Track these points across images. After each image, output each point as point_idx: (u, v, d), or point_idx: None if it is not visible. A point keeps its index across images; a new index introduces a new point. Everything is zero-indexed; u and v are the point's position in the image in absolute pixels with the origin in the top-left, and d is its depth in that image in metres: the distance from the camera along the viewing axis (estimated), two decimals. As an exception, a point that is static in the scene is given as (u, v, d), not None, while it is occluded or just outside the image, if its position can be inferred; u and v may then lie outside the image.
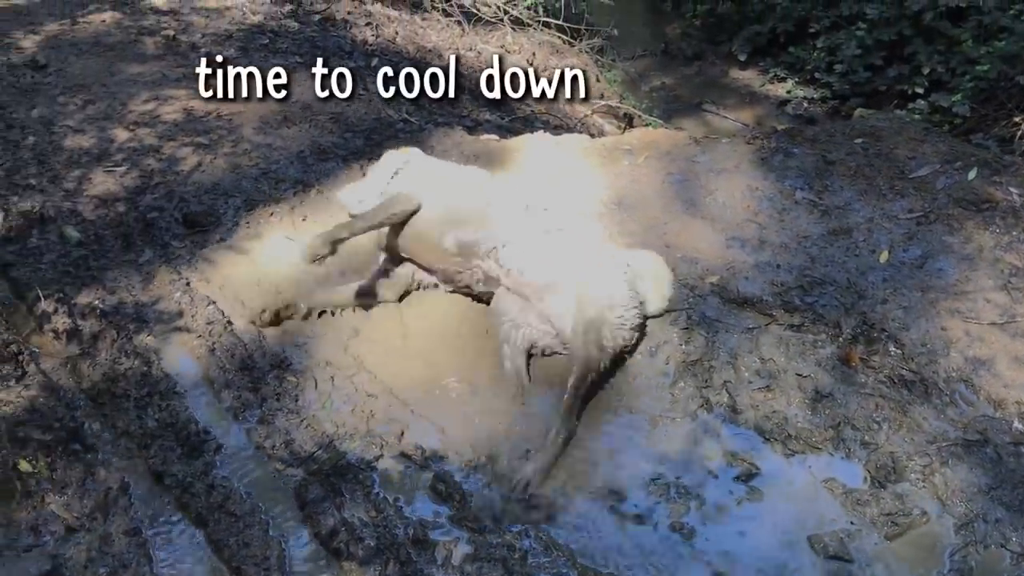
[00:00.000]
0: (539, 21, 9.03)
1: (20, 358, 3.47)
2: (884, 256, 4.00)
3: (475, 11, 8.44)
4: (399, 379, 3.53)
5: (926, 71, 7.71)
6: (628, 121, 7.82)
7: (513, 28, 8.52)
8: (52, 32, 5.78)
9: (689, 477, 3.19)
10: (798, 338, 3.67)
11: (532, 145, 4.78)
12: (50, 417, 3.26)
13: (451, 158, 4.64)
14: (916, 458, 3.20)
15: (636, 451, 3.28)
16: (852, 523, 3.02)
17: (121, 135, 4.87)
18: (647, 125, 8.11)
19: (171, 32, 5.90)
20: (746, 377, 3.54)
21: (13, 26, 5.90)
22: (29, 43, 5.68)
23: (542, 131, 5.03)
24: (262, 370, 3.56)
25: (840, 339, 3.66)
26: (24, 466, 3.07)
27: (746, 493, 3.14)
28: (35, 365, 3.46)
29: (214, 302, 3.82)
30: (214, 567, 2.84)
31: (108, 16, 6.21)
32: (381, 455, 3.24)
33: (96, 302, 3.77)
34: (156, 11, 6.25)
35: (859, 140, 4.81)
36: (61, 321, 3.64)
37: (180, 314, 3.77)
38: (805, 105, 8.67)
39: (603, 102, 8.55)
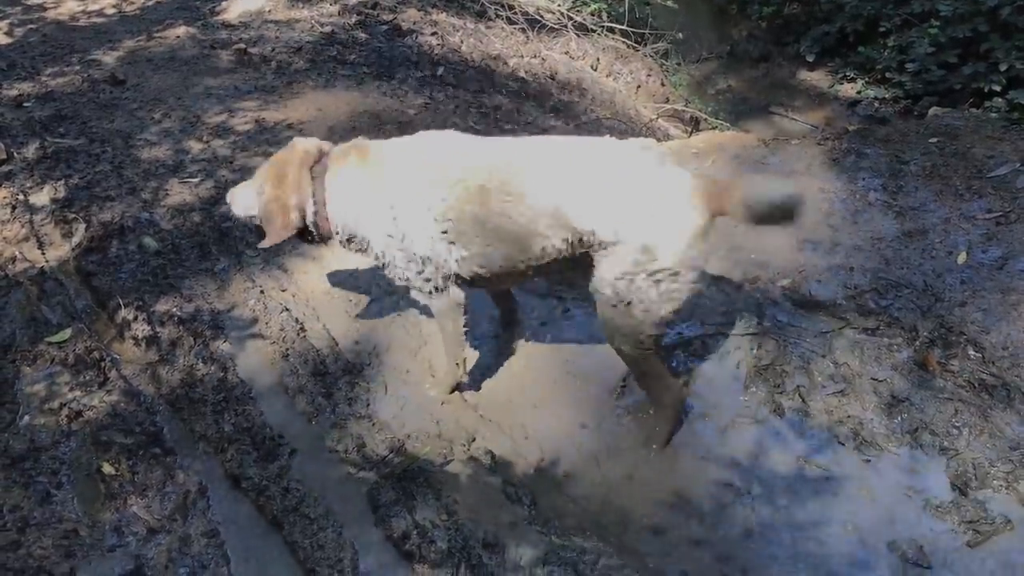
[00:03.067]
0: (603, 26, 9.02)
1: (102, 364, 3.59)
2: (962, 257, 3.90)
3: (539, 18, 8.46)
4: (467, 384, 3.55)
5: (1003, 68, 7.48)
6: (695, 125, 7.76)
7: (577, 34, 8.53)
8: (130, 48, 5.97)
9: (761, 481, 3.15)
10: (873, 342, 3.60)
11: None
12: (131, 421, 3.36)
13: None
14: (999, 464, 3.10)
15: (708, 455, 3.24)
16: (931, 529, 2.94)
17: (195, 147, 5.00)
18: (713, 128, 8.04)
19: (243, 45, 6.04)
20: (819, 381, 3.48)
21: (93, 44, 6.10)
22: (109, 59, 5.87)
23: (608, 135, 5.01)
24: (334, 376, 3.61)
25: (917, 343, 3.57)
26: (107, 469, 3.17)
27: (820, 498, 3.08)
28: (116, 371, 3.57)
29: (288, 309, 3.90)
30: (289, 569, 2.88)
31: (182, 31, 6.39)
32: (451, 459, 3.26)
33: (174, 310, 3.87)
34: (228, 25, 6.41)
35: (934, 139, 4.69)
36: (141, 328, 3.75)
37: (255, 321, 3.86)
38: (876, 105, 8.49)
39: (668, 106, 8.50)
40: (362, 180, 3.09)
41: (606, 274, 2.89)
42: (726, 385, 3.50)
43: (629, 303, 2.88)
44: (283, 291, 4.02)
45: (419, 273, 3.13)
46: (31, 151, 4.88)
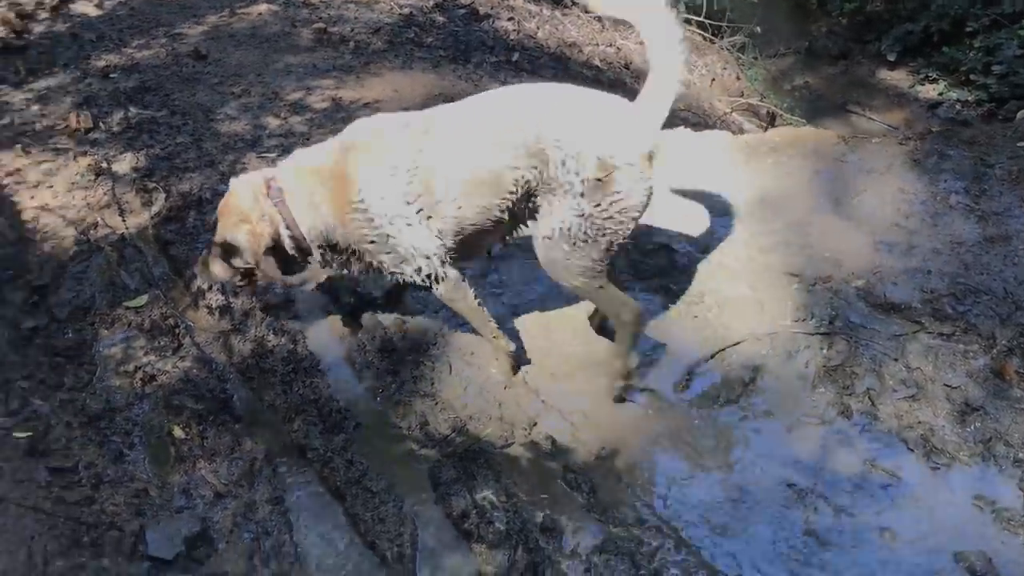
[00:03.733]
0: (680, 17, 8.89)
1: (177, 331, 3.68)
2: (1047, 266, 3.78)
3: (615, 7, 8.38)
4: (532, 370, 3.56)
5: (1096, 73, 7.23)
6: (771, 119, 7.64)
7: (653, 24, 8.42)
8: (213, 23, 6.09)
9: (824, 483, 3.10)
10: (948, 348, 3.51)
11: (672, 141, 4.73)
12: (202, 388, 3.44)
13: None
14: (1076, 480, 3.01)
15: (771, 454, 3.20)
16: (1002, 543, 2.87)
17: (273, 122, 5.08)
18: (788, 124, 7.91)
19: (323, 24, 6.11)
20: (890, 385, 3.41)
21: (178, 18, 6.24)
22: (193, 34, 5.99)
23: (683, 127, 4.97)
24: (400, 354, 3.65)
25: (994, 351, 3.48)
26: (178, 432, 3.25)
27: (884, 503, 3.03)
28: (190, 338, 3.66)
29: (358, 288, 3.95)
30: (350, 539, 2.93)
31: (264, 8, 6.50)
32: (512, 442, 3.28)
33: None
34: (308, 4, 6.49)
35: (1022, 143, 4.55)
36: (215, 298, 3.83)
37: (326, 295, 3.91)
38: (958, 108, 8.26)
39: (743, 100, 8.38)
40: (322, 191, 3.12)
41: (557, 212, 2.98)
42: (792, 384, 3.45)
43: (578, 241, 2.98)
44: (353, 268, 4.07)
45: (416, 270, 3.19)
46: (115, 120, 5.01)
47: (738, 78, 9.03)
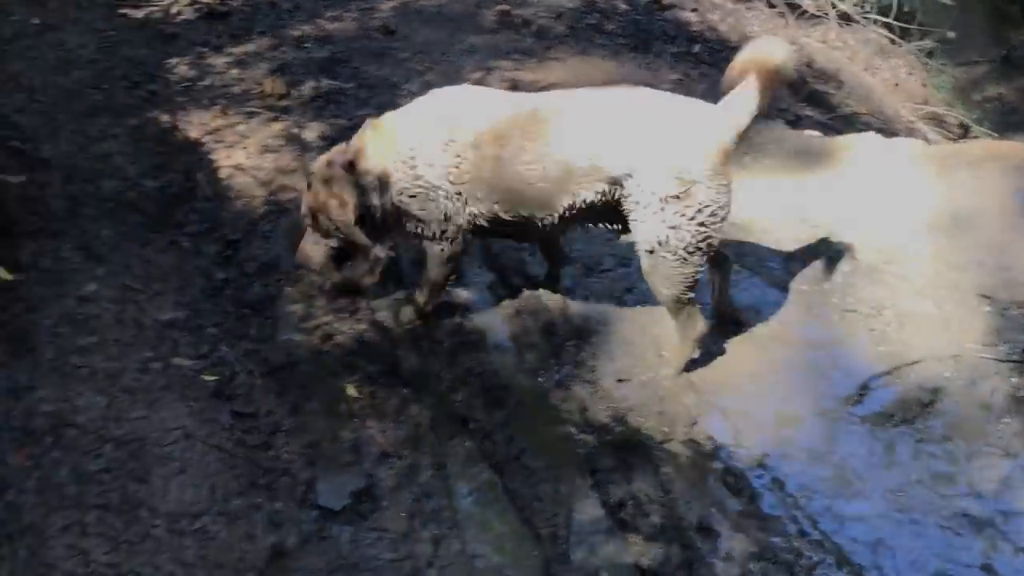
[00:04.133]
0: (867, 17, 8.56)
1: (354, 296, 3.84)
2: None
3: (799, 2, 8.14)
4: (695, 367, 3.52)
5: None
6: (964, 131, 7.24)
7: (839, 22, 8.14)
8: (403, 0, 6.27)
9: (1003, 517, 2.93)
10: None
11: (860, 146, 4.56)
12: (375, 351, 3.58)
13: (770, 151, 4.55)
14: None
15: (947, 481, 3.06)
16: None
17: (454, 101, 5.19)
18: (975, 137, 7.48)
19: (507, 7, 6.20)
20: (1087, 422, 3.19)
21: (377, -12, 6.45)
22: (384, 9, 6.20)
23: (872, 132, 4.78)
24: (563, 338, 3.68)
25: None
26: (351, 391, 3.40)
27: (1072, 547, 2.84)
28: (366, 303, 3.81)
29: (524, 268, 4.00)
30: (507, 513, 2.99)
31: (452, -13, 6.64)
32: (672, 438, 3.26)
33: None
34: (494, -14, 6.59)
35: None
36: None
37: (494, 274, 3.99)
38: None
39: (928, 108, 7.98)
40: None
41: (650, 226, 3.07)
42: (975, 411, 3.28)
43: (679, 251, 3.08)
44: (520, 250, 4.12)
45: (433, 232, 3.39)
46: (307, 89, 5.25)
47: (924, 85, 8.59)
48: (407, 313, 3.71)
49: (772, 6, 7.74)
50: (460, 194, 3.27)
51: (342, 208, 3.39)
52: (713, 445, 3.22)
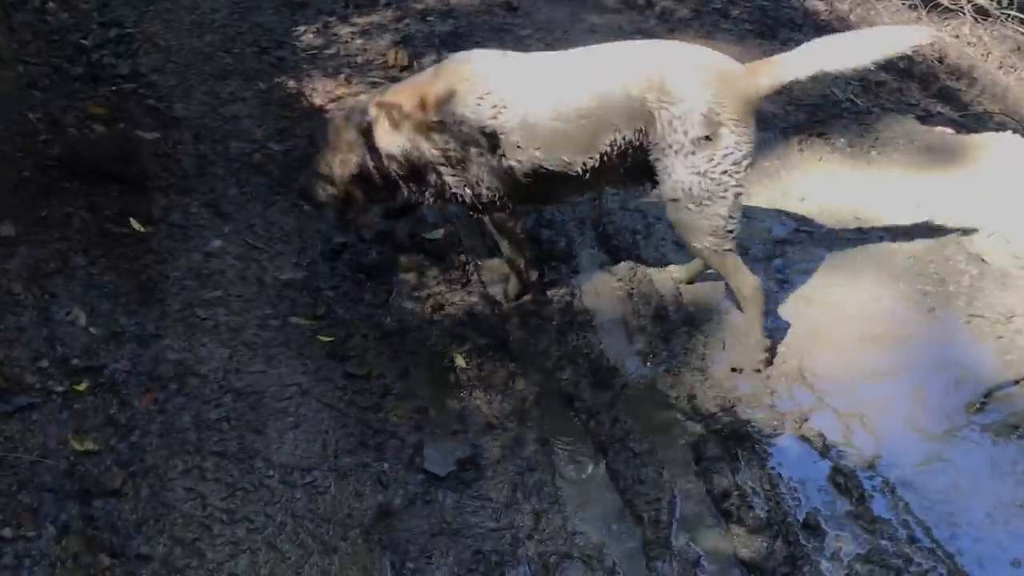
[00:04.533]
0: (1005, 13, 8.15)
1: (467, 268, 3.88)
2: None
3: (934, -5, 7.81)
4: (809, 363, 3.44)
5: None
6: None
7: (975, 17, 7.77)
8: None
9: None
10: None
11: (996, 145, 4.36)
12: (484, 324, 3.61)
13: (900, 146, 4.39)
14: None
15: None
16: None
17: (573, 80, 5.16)
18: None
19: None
20: None
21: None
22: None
23: (1009, 132, 4.57)
24: (674, 323, 3.64)
25: None
26: (459, 361, 3.44)
27: None
28: (477, 276, 3.84)
29: (638, 249, 3.97)
30: (609, 494, 2.99)
31: (577, -34, 6.59)
32: (781, 432, 3.19)
33: (532, 230, 4.07)
34: (617, -34, 6.51)
35: None
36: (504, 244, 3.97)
37: (606, 254, 3.97)
38: None
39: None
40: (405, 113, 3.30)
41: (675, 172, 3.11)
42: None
43: (703, 200, 3.12)
44: (635, 233, 4.09)
45: (476, 195, 3.35)
46: (429, 62, 5.28)
47: (1063, 88, 8.15)
48: (511, 288, 3.73)
49: (906, -4, 7.44)
50: (497, 147, 3.20)
51: (342, 165, 3.43)
52: (824, 443, 3.15)
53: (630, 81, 3.07)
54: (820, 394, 3.33)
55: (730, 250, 3.28)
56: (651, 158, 3.17)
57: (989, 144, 4.37)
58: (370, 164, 3.40)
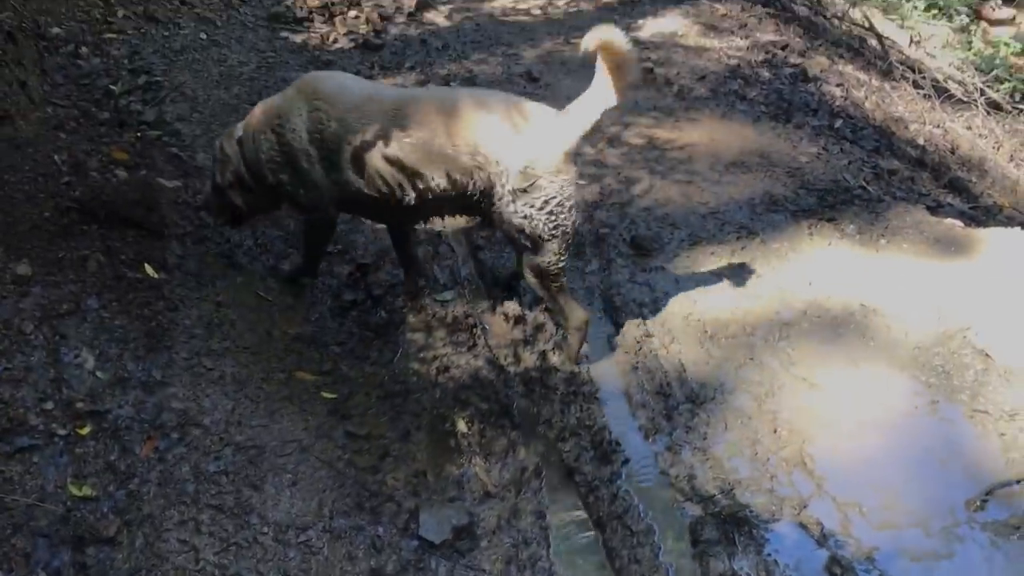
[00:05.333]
0: (1017, 107, 8.29)
1: (474, 331, 3.90)
2: None
3: (946, 87, 7.94)
4: (809, 448, 3.43)
5: None
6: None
7: (987, 110, 7.89)
8: (547, 49, 6.41)
9: None
10: None
11: (1004, 240, 4.39)
12: (489, 389, 3.62)
13: (909, 236, 4.44)
14: None
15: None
16: None
17: (588, 152, 5.26)
18: None
19: (650, 65, 6.25)
20: None
21: (517, 39, 6.61)
22: (528, 56, 6.34)
23: (1017, 228, 4.60)
24: (677, 400, 3.65)
25: None
26: (461, 426, 3.44)
27: None
28: (484, 340, 3.86)
29: (645, 324, 3.99)
30: (604, 572, 2.97)
31: (596, 40, 6.72)
32: (779, 518, 3.17)
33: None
34: (639, 42, 6.65)
35: None
36: (512, 307, 4.00)
37: (612, 326, 3.99)
38: None
39: (1075, 207, 7.62)
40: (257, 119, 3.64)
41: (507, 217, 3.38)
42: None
43: (537, 238, 3.38)
44: (643, 305, 4.11)
45: (302, 195, 3.62)
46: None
47: (1074, 183, 8.23)
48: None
49: (918, 87, 7.56)
50: (324, 161, 3.48)
51: (223, 175, 3.72)
52: (822, 531, 3.13)
53: (455, 140, 3.31)
54: (820, 481, 3.32)
55: (561, 285, 3.59)
56: (483, 202, 3.44)
57: (997, 239, 4.41)
58: (243, 171, 3.68)
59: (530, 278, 3.59)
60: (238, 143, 3.66)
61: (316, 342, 3.71)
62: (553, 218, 3.36)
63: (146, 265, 3.73)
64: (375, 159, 3.39)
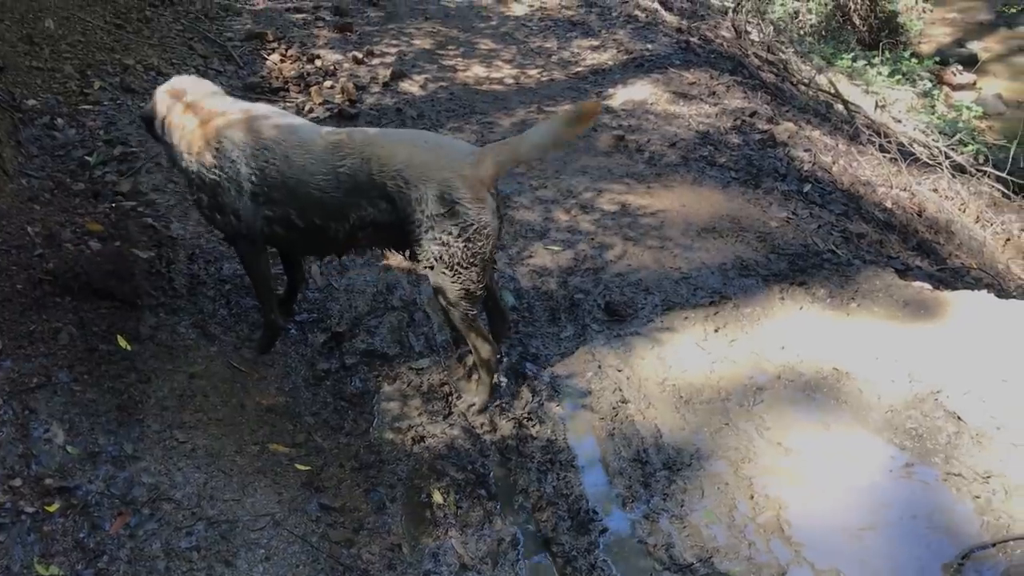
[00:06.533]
0: (981, 170, 8.50)
1: (449, 399, 3.89)
2: None
3: (912, 150, 8.14)
4: (786, 514, 3.43)
5: None
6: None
7: (952, 173, 8.08)
8: (521, 117, 6.51)
9: None
10: None
11: (972, 303, 4.45)
12: (465, 459, 3.60)
13: (880, 300, 4.50)
14: None
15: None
16: None
17: (562, 218, 5.31)
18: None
19: (621, 132, 6.36)
20: None
21: (491, 108, 6.72)
22: (503, 124, 6.43)
23: (984, 291, 4.68)
24: (654, 467, 3.64)
25: None
26: (437, 497, 3.41)
27: None
28: (460, 408, 3.85)
29: (621, 390, 4.00)
30: (582, 645, 2.93)
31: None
32: (758, 587, 3.16)
33: (517, 364, 4.11)
34: (610, 111, 6.78)
35: None
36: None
37: (588, 393, 4.00)
38: None
39: (1041, 268, 7.78)
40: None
41: (425, 244, 3.47)
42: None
43: (455, 265, 3.47)
44: (619, 371, 4.13)
45: (224, 224, 3.72)
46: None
47: (1035, 241, 8.41)
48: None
49: (884, 151, 7.73)
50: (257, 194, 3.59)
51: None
52: (801, 601, 3.11)
53: (376, 169, 3.43)
54: (797, 547, 3.31)
55: (473, 317, 3.66)
56: (404, 229, 3.51)
57: (965, 302, 4.47)
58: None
59: (448, 310, 3.65)
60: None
61: (290, 413, 3.69)
62: (470, 246, 3.43)
63: (119, 337, 3.71)
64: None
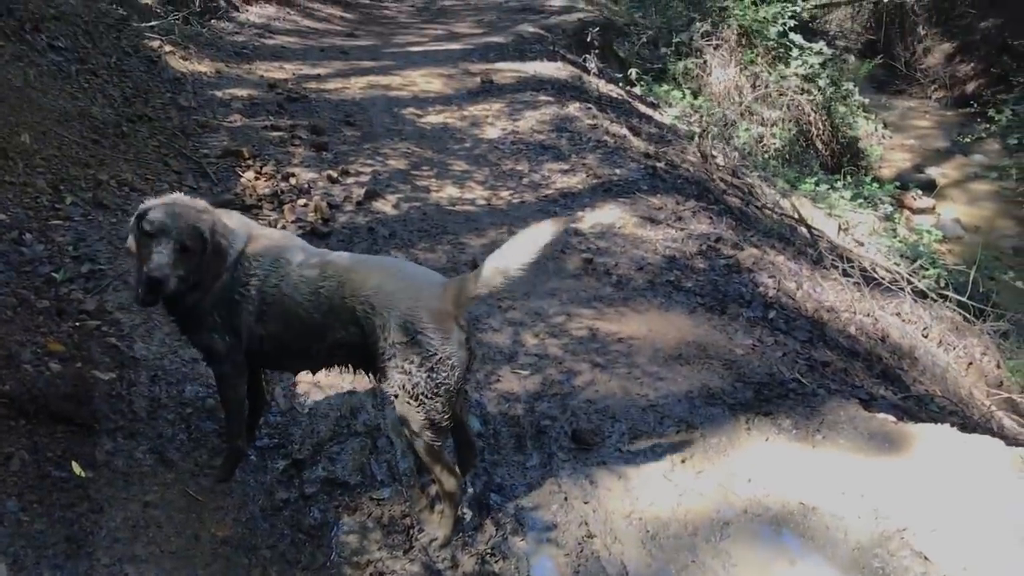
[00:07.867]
0: (942, 295, 8.69)
1: (410, 532, 3.81)
2: None
3: (874, 275, 8.32)
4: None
5: None
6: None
7: (914, 298, 8.26)
8: (492, 238, 6.56)
9: None
10: None
11: (936, 438, 4.47)
12: (424, 596, 3.50)
13: (845, 432, 4.51)
14: None
15: None
16: None
17: (531, 341, 5.33)
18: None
19: (589, 255, 6.45)
20: None
21: (463, 228, 6.80)
22: (474, 245, 6.50)
23: (947, 425, 4.70)
24: (620, 607, 3.56)
25: None
26: (395, 638, 3.30)
27: None
28: (421, 542, 3.76)
29: (587, 523, 3.94)
30: None
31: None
32: None
33: (482, 495, 4.05)
34: (579, 233, 6.89)
35: None
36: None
37: (554, 526, 3.93)
38: None
39: (1003, 393, 7.86)
40: None
41: (389, 373, 3.47)
42: None
43: (420, 395, 3.44)
44: (585, 503, 4.07)
45: (206, 346, 3.74)
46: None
47: (998, 366, 8.53)
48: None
49: (848, 275, 7.89)
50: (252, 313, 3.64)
51: None
52: None
53: (349, 293, 3.49)
54: None
55: (441, 448, 3.62)
56: (370, 353, 3.53)
57: (929, 437, 4.48)
58: None
59: (413, 440, 3.60)
60: None
61: (245, 545, 3.58)
62: (434, 376, 3.41)
63: (73, 463, 3.62)
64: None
